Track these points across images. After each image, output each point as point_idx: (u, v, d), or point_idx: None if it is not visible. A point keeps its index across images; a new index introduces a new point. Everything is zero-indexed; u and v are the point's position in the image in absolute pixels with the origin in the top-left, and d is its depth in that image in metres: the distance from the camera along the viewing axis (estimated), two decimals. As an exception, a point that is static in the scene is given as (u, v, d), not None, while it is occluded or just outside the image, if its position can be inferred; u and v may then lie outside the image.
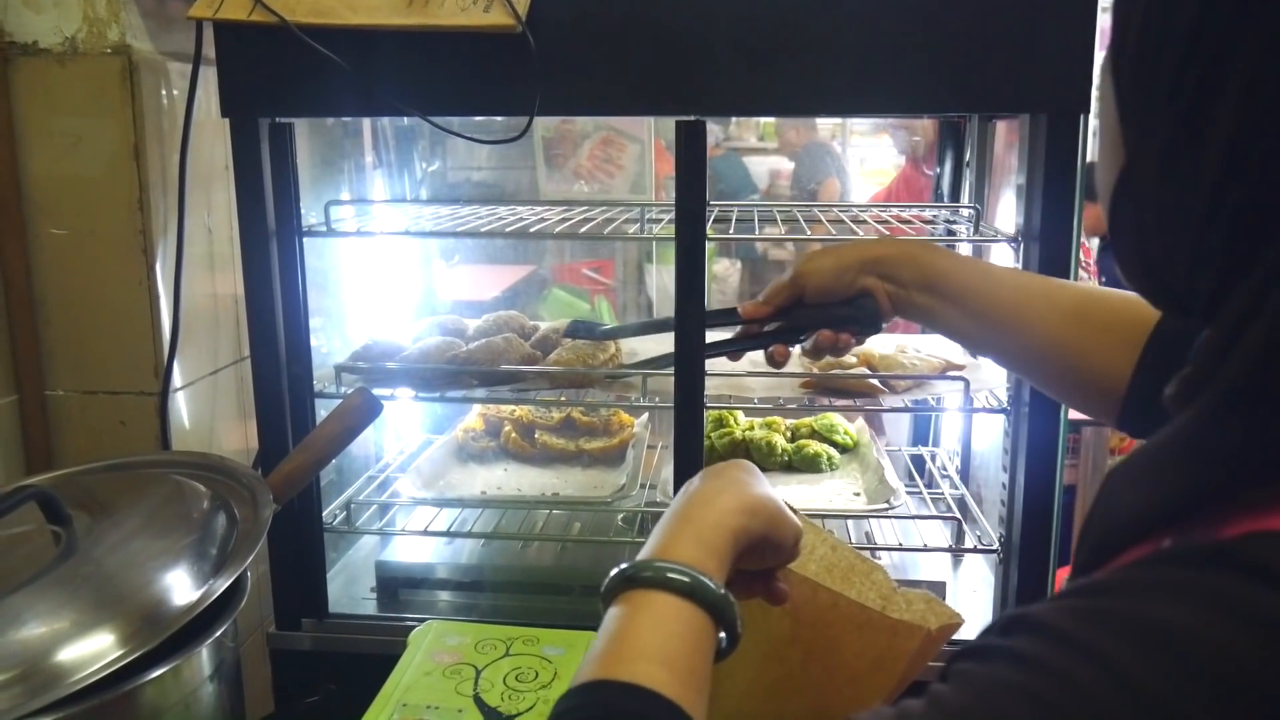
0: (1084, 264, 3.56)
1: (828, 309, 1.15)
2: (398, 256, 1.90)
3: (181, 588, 0.96)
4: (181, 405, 1.47)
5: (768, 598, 0.82)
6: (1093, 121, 1.17)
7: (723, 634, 0.68)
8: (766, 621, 0.87)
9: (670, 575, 0.66)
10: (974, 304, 1.04)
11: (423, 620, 1.36)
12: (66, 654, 0.87)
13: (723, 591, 0.67)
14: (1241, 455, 0.48)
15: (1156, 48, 0.52)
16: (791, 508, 0.83)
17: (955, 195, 1.70)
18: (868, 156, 5.46)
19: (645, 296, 4.47)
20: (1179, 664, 0.42)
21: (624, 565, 0.68)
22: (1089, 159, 0.98)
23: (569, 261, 4.27)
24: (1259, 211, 0.49)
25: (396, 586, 1.51)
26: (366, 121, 1.76)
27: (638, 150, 3.70)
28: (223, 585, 0.96)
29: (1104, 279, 3.41)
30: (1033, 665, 0.45)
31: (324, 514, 1.45)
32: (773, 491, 0.79)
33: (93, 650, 0.88)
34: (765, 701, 0.90)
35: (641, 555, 0.70)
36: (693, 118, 1.22)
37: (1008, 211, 1.51)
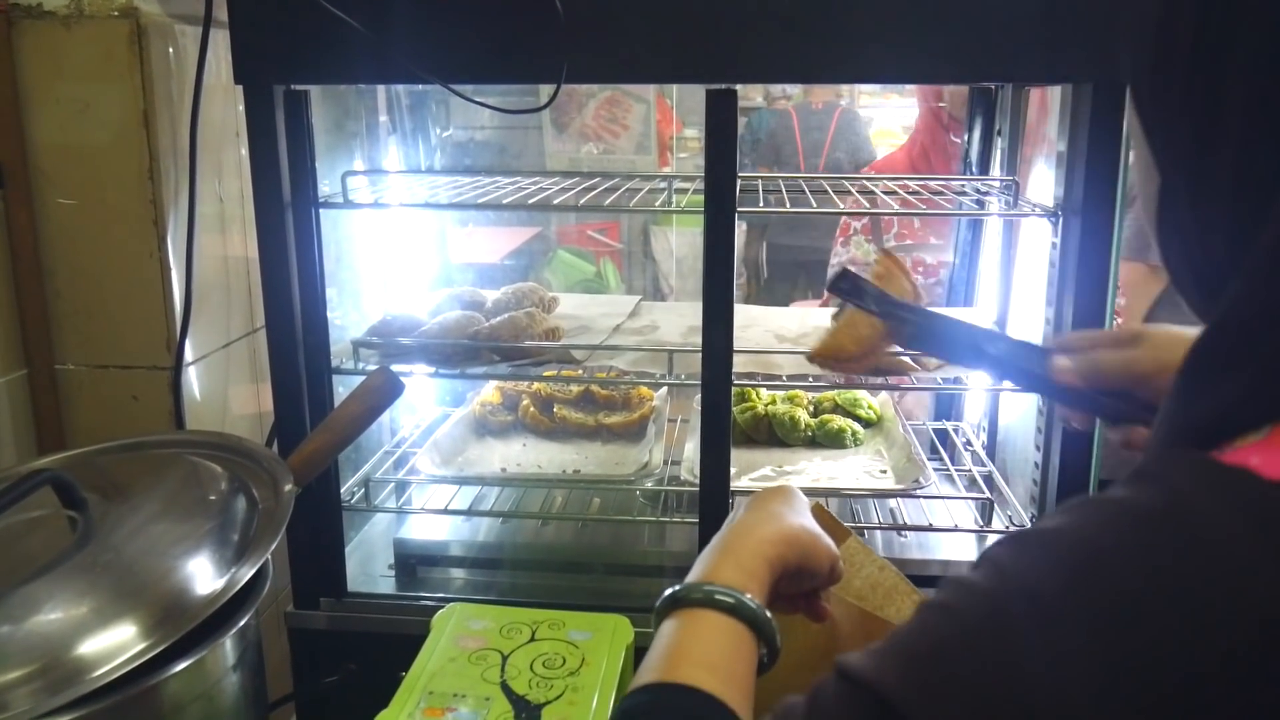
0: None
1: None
2: (413, 226, 1.86)
3: (204, 576, 0.93)
4: (194, 379, 1.44)
5: (809, 615, 0.87)
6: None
7: (764, 650, 0.74)
8: (806, 635, 0.89)
9: (717, 596, 0.73)
10: None
11: (441, 599, 1.34)
12: (88, 647, 0.85)
13: (761, 609, 0.74)
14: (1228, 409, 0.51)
15: (1166, 62, 0.56)
16: (840, 528, 0.89)
17: (984, 165, 1.66)
18: (875, 118, 5.40)
19: (651, 258, 4.43)
20: (1047, 554, 0.49)
21: (673, 588, 0.75)
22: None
23: (575, 224, 4.22)
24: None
25: (414, 564, 1.48)
26: (381, 89, 1.71)
27: (643, 110, 3.65)
28: (247, 574, 0.94)
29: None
30: (956, 585, 0.52)
31: (341, 491, 1.42)
32: (810, 522, 0.85)
33: (115, 643, 0.85)
34: None
35: (688, 579, 0.77)
36: (723, 86, 1.18)
37: (1040, 183, 1.47)
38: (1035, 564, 0.49)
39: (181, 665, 0.88)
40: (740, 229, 4.35)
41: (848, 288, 1.10)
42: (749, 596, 0.73)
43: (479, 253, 3.19)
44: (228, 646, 0.95)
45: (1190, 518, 0.46)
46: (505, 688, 1.06)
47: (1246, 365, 0.51)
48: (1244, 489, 0.47)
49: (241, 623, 0.95)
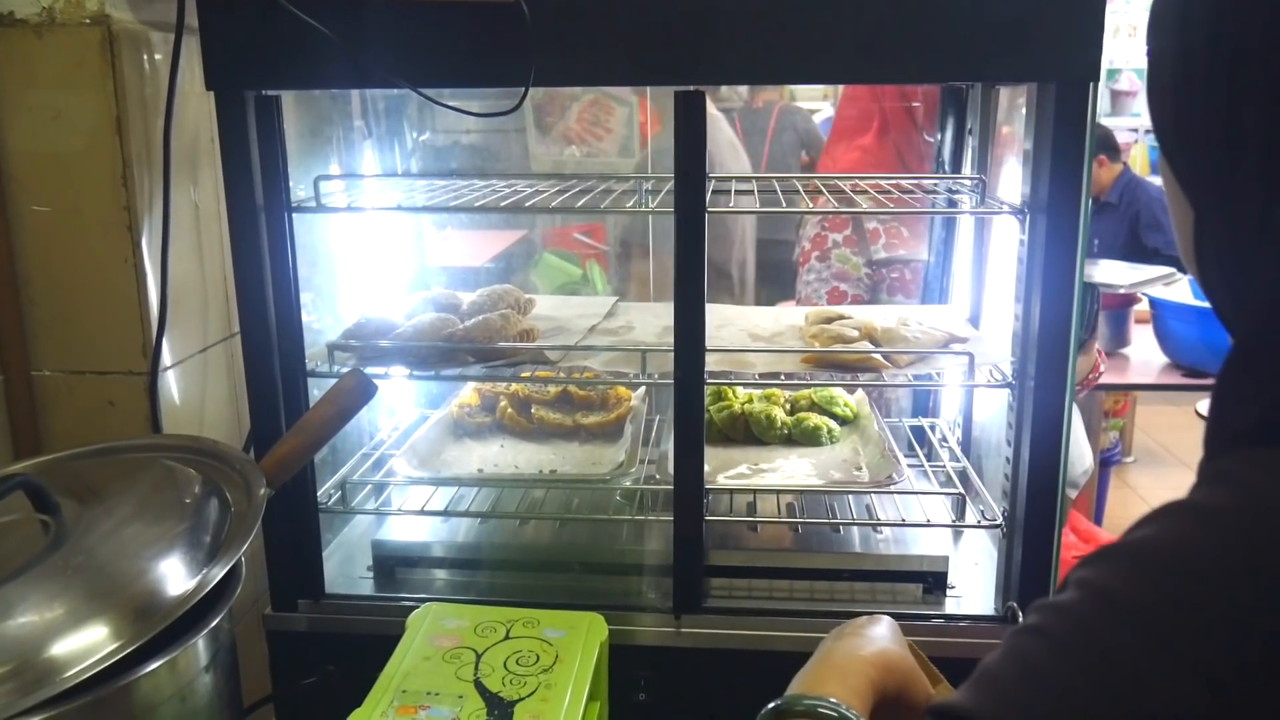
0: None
1: None
2: (389, 230, 1.86)
3: (175, 577, 0.94)
4: (171, 384, 1.44)
5: None
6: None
7: None
8: None
9: (820, 709, 0.73)
10: None
11: (420, 599, 1.34)
12: (60, 648, 0.85)
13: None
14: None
15: (1188, 100, 0.58)
16: (933, 670, 0.88)
17: (957, 164, 1.68)
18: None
19: (641, 263, 4.43)
20: (1135, 566, 0.49)
21: (776, 701, 0.75)
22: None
23: (560, 226, 4.23)
24: None
25: (393, 566, 1.49)
26: (355, 94, 1.72)
27: (626, 113, 3.66)
28: (218, 574, 0.94)
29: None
30: (1043, 608, 0.51)
31: (319, 494, 1.43)
32: (909, 655, 0.85)
33: (86, 644, 0.86)
34: None
35: (789, 691, 0.77)
36: (691, 88, 1.19)
37: (1010, 182, 1.49)
38: (1125, 578, 0.49)
39: (153, 665, 0.89)
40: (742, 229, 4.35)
41: None
42: (853, 711, 0.73)
43: (463, 257, 3.20)
44: (200, 647, 0.95)
45: (1273, 507, 0.47)
46: (479, 685, 1.07)
47: None
48: None
49: (214, 623, 0.96)
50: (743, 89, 4.61)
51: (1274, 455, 0.49)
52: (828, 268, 2.54)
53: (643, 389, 1.76)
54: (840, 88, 2.71)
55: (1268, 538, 0.46)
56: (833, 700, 0.73)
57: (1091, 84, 1.17)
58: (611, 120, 3.67)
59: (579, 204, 1.35)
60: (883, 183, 1.55)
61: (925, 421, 1.82)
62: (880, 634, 0.84)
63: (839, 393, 1.70)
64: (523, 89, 1.17)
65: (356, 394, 1.14)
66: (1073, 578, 0.51)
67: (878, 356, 1.36)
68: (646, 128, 3.41)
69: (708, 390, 1.68)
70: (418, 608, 1.25)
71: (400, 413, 1.87)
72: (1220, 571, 0.46)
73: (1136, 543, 0.50)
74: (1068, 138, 1.19)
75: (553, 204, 1.34)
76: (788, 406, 1.70)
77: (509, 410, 1.67)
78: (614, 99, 3.66)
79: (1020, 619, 0.52)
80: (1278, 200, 0.53)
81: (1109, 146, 4.08)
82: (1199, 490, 0.51)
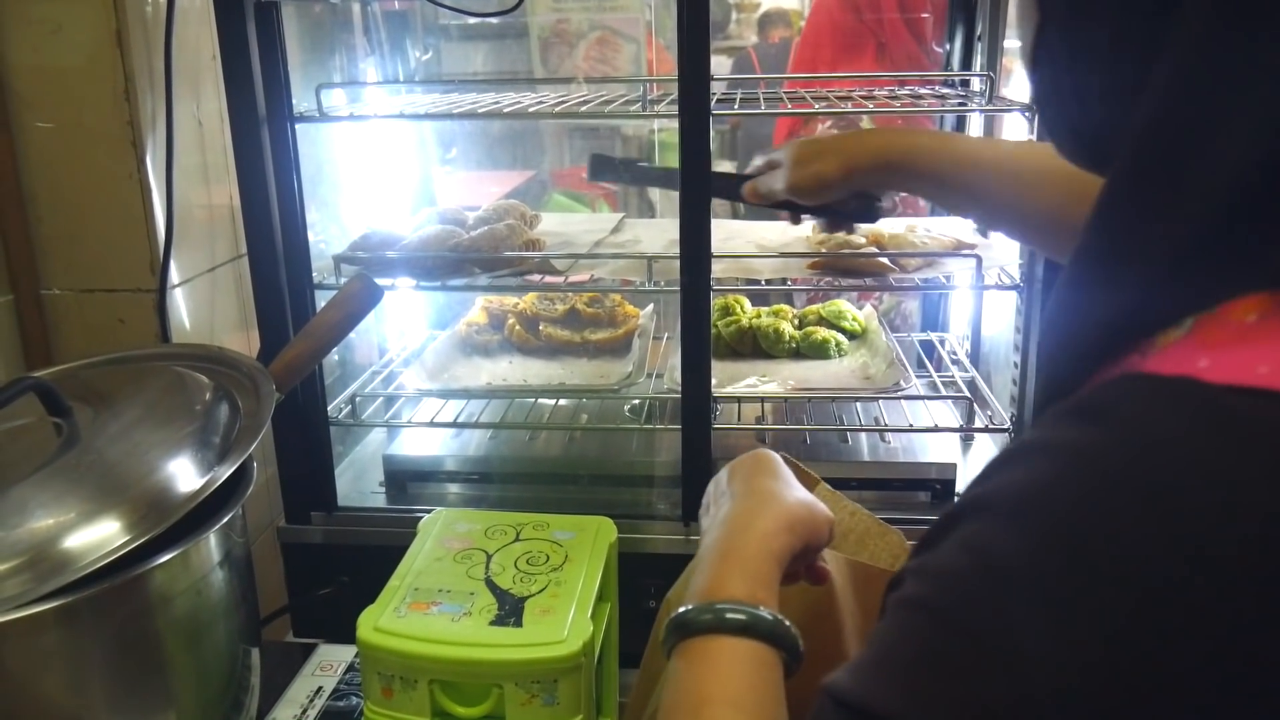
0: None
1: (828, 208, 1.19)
2: (394, 145, 1.85)
3: (186, 475, 0.95)
4: (180, 302, 1.45)
5: (810, 580, 0.83)
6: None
7: (787, 657, 0.68)
8: (805, 600, 0.85)
9: (728, 615, 0.66)
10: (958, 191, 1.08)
11: (431, 510, 1.35)
12: (73, 541, 0.86)
13: (777, 619, 0.67)
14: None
15: None
16: (810, 476, 0.84)
17: (966, 70, 1.65)
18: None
19: (647, 199, 4.41)
20: (1008, 523, 0.44)
21: (677, 613, 0.68)
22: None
23: (569, 167, 4.21)
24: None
25: (405, 480, 1.50)
26: (356, 7, 1.70)
27: (633, 50, 3.62)
28: (227, 471, 0.95)
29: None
30: (922, 575, 0.47)
31: (329, 408, 1.44)
32: (800, 489, 0.79)
33: (99, 537, 0.87)
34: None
35: (690, 595, 0.70)
36: (694, -15, 1.17)
37: (1021, 83, 1.46)
38: (998, 536, 0.44)
39: (166, 557, 0.90)
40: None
41: (598, 168, 1.29)
42: (763, 609, 0.67)
43: (471, 196, 3.19)
44: (212, 541, 0.96)
45: (1151, 455, 0.41)
46: (490, 583, 1.08)
47: (1155, 242, 0.45)
48: (1203, 405, 0.41)
49: (226, 518, 0.97)
50: (755, 24, 4.57)
51: (1148, 385, 0.43)
52: None
53: (651, 307, 1.76)
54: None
55: (1160, 495, 0.40)
56: (739, 603, 0.67)
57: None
58: (619, 58, 3.63)
59: (582, 110, 1.34)
60: (887, 88, 1.54)
61: (934, 336, 1.81)
62: (768, 487, 0.78)
63: (847, 307, 1.70)
64: (522, -11, 1.16)
65: (363, 298, 1.14)
66: (947, 527, 0.47)
67: (884, 260, 1.35)
68: (654, 66, 3.37)
69: (716, 305, 1.68)
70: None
71: (410, 333, 1.88)
72: (1104, 532, 0.40)
73: (1006, 492, 0.45)
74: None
75: (555, 109, 1.33)
76: (796, 321, 1.70)
77: (517, 328, 1.67)
78: (622, 35, 3.61)
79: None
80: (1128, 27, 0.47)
81: None
82: (1069, 422, 0.44)
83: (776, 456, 0.84)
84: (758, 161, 1.24)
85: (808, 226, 1.64)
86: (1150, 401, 0.42)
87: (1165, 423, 0.41)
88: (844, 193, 1.14)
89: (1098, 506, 0.41)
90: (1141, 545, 0.39)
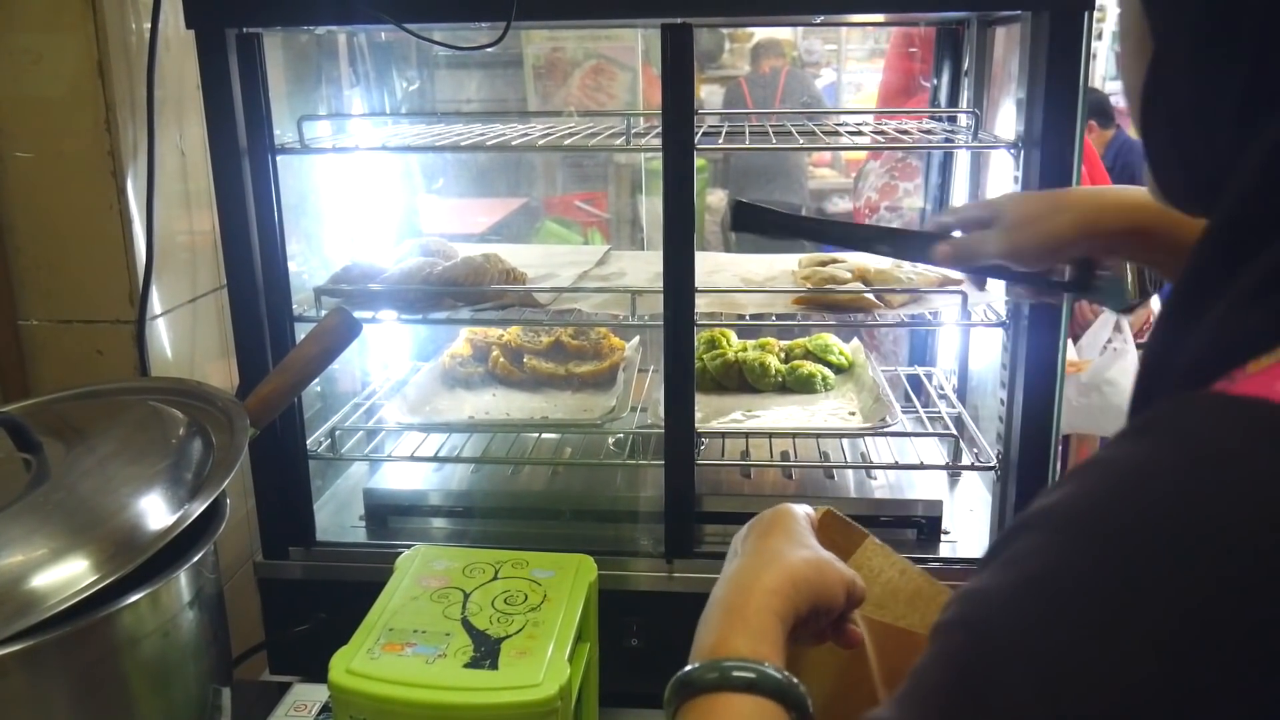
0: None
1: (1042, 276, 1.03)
2: (378, 176, 1.84)
3: (157, 513, 0.93)
4: (161, 333, 1.43)
5: (838, 643, 0.80)
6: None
7: (795, 716, 0.66)
8: (836, 664, 0.81)
9: (733, 674, 0.65)
10: None
11: (411, 545, 1.33)
12: (39, 580, 0.85)
13: (784, 676, 0.66)
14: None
15: None
16: (854, 532, 0.81)
17: (953, 105, 1.65)
18: (864, 83, 5.42)
19: (639, 227, 4.42)
20: (1057, 538, 0.43)
21: (682, 670, 0.67)
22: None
23: (561, 194, 4.21)
24: None
25: (385, 514, 1.48)
26: (342, 38, 1.69)
27: (628, 79, 3.62)
28: (199, 509, 0.93)
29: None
30: (966, 596, 0.46)
31: (309, 441, 1.42)
32: (813, 547, 0.77)
33: (67, 576, 0.85)
34: None
35: (694, 653, 0.69)
36: (679, 20, 1.17)
37: (1008, 121, 1.46)
38: (1043, 549, 0.43)
39: (134, 597, 0.88)
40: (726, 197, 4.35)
41: (747, 219, 1.11)
42: (768, 665, 0.65)
43: (463, 224, 3.17)
44: (183, 581, 0.94)
45: (1202, 467, 0.40)
46: (466, 623, 1.07)
47: (1257, 275, 0.44)
48: (1261, 420, 0.40)
49: (196, 557, 0.95)
50: (748, 54, 4.62)
51: (1220, 404, 0.42)
52: (899, 217, 2.46)
53: (636, 340, 1.75)
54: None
55: (1204, 491, 0.39)
56: (743, 660, 0.66)
57: (1085, 13, 1.15)
58: (614, 86, 3.63)
59: (565, 143, 1.33)
60: (874, 123, 1.54)
61: (921, 370, 1.80)
62: (775, 546, 0.76)
63: (834, 340, 1.69)
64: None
65: (340, 332, 1.12)
66: (994, 549, 0.46)
67: (870, 296, 1.35)
68: (650, 95, 3.37)
69: (701, 338, 1.67)
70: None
71: (393, 365, 1.86)
72: (1156, 551, 0.39)
73: (1058, 508, 0.44)
74: (1061, 69, 1.17)
75: (539, 143, 1.32)
76: (782, 355, 1.69)
77: (501, 360, 1.66)
78: (616, 64, 3.62)
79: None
80: (1265, 71, 0.46)
81: (1101, 112, 4.02)
82: (1133, 440, 0.44)
83: (799, 513, 0.81)
84: (946, 219, 1.08)
85: (793, 260, 1.63)
86: (1209, 416, 0.42)
87: (1220, 436, 0.41)
88: (1074, 256, 0.99)
89: (1147, 516, 0.40)
90: (1192, 556, 0.39)
